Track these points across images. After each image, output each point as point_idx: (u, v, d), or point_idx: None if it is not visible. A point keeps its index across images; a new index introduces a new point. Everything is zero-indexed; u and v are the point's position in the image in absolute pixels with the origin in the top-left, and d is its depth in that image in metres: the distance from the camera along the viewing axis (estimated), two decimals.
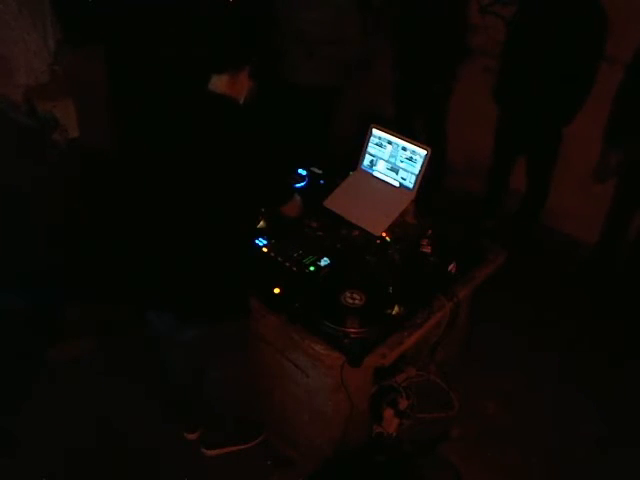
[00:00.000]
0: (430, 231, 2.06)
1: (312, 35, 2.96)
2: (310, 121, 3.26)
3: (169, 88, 1.67)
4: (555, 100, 2.85)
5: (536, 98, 2.88)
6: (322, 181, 2.38)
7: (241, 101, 1.63)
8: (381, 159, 2.25)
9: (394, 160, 2.20)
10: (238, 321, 1.82)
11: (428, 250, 1.99)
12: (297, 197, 1.93)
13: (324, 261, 1.92)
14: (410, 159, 2.14)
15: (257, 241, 2.00)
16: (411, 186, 2.16)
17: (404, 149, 2.16)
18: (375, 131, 2.25)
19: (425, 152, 2.09)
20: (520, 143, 3.22)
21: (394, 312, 1.74)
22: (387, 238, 2.06)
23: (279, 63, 3.06)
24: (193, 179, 1.56)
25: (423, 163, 2.10)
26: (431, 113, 3.55)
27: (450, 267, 1.92)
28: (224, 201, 1.58)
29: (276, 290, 1.80)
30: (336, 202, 2.21)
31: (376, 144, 2.25)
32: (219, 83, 1.58)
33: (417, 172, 2.13)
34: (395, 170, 2.21)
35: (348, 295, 1.77)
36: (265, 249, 1.97)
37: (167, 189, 1.61)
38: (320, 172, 2.43)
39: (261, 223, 2.05)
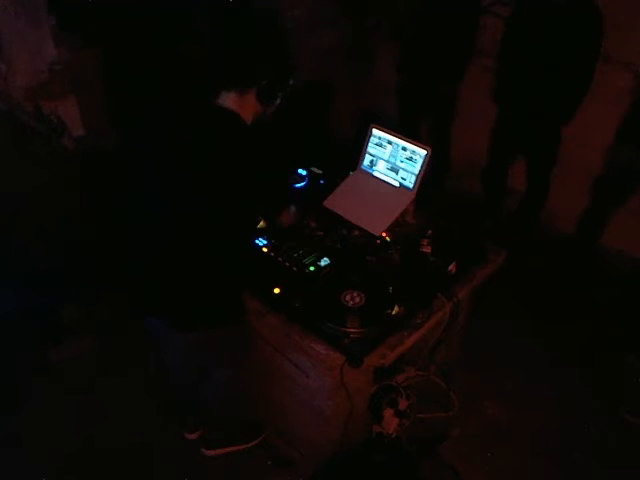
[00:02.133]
0: (430, 231, 2.06)
1: (292, 28, 2.95)
2: (305, 119, 3.25)
3: (176, 97, 1.65)
4: (553, 100, 2.85)
5: (535, 98, 2.88)
6: (322, 181, 2.38)
7: (248, 121, 1.60)
8: (381, 159, 2.25)
9: (394, 160, 2.20)
10: (236, 324, 1.81)
11: (428, 250, 1.99)
12: (292, 208, 1.94)
13: (324, 261, 1.92)
14: (410, 159, 2.14)
15: (257, 241, 2.00)
16: (411, 186, 2.16)
17: (404, 149, 2.16)
18: (375, 131, 2.25)
19: (425, 152, 2.09)
20: (520, 143, 3.22)
21: (394, 312, 1.74)
22: (387, 238, 2.06)
23: None
24: (191, 189, 1.54)
25: (423, 163, 2.10)
26: (438, 114, 3.53)
27: (450, 267, 1.92)
28: (221, 210, 1.56)
29: (276, 290, 1.80)
30: (336, 202, 2.21)
31: (376, 144, 2.25)
32: (227, 99, 1.56)
33: (417, 172, 2.13)
34: (395, 170, 2.21)
35: (348, 295, 1.77)
36: (265, 249, 1.97)
37: (165, 197, 1.60)
38: (320, 172, 2.43)
39: (261, 223, 2.05)
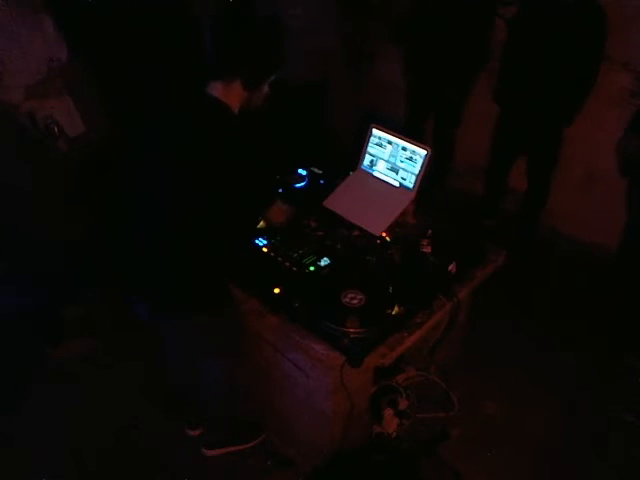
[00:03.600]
0: (430, 231, 2.06)
1: (291, 28, 2.96)
2: (305, 118, 3.25)
3: (167, 87, 1.69)
4: (556, 100, 2.85)
5: (536, 99, 2.88)
6: (322, 181, 2.39)
7: (235, 109, 1.64)
8: (381, 159, 2.25)
9: (394, 160, 2.20)
10: (220, 309, 1.82)
11: (428, 250, 1.99)
12: (282, 205, 1.93)
13: (324, 261, 1.92)
14: (410, 159, 2.14)
15: (257, 241, 2.00)
16: (411, 186, 2.16)
17: (404, 149, 2.16)
18: (375, 131, 2.25)
19: (425, 152, 2.09)
20: (521, 144, 3.22)
21: (394, 312, 1.74)
22: (387, 238, 2.06)
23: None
24: (176, 175, 1.60)
25: (423, 163, 2.10)
26: (445, 117, 3.53)
27: (450, 267, 1.92)
28: (204, 195, 1.60)
29: (276, 290, 1.80)
30: (336, 202, 2.21)
31: (376, 144, 2.25)
32: (215, 88, 1.61)
33: (417, 172, 2.13)
34: (395, 170, 2.21)
35: (348, 295, 1.77)
36: (265, 249, 1.97)
37: (155, 186, 1.65)
38: (320, 172, 2.43)
39: (261, 223, 2.05)
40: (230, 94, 1.62)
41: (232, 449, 2.24)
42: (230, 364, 1.99)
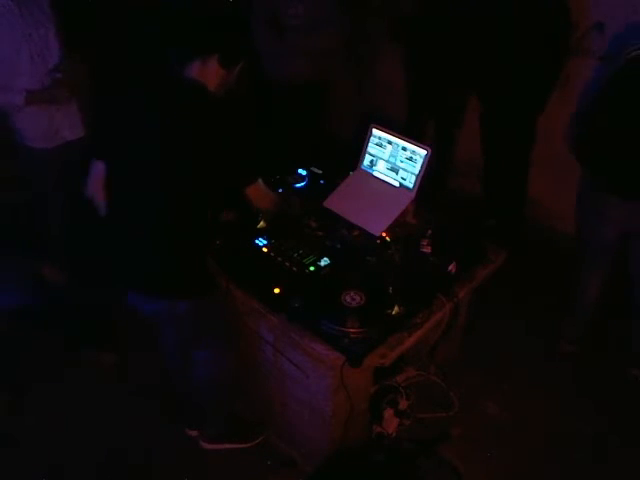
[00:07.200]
0: (430, 231, 2.06)
1: (291, 27, 2.97)
2: (305, 118, 3.24)
3: (146, 71, 1.72)
4: (527, 94, 2.90)
5: (511, 90, 2.92)
6: (322, 181, 2.39)
7: (212, 88, 1.64)
8: (381, 159, 2.25)
9: (394, 160, 2.20)
10: (206, 294, 1.83)
11: (428, 250, 1.99)
12: (262, 185, 1.83)
13: (324, 261, 1.92)
14: (410, 159, 2.14)
15: (257, 241, 2.00)
16: (411, 186, 2.16)
17: (404, 149, 2.16)
18: (375, 131, 2.25)
19: (425, 152, 2.09)
20: (503, 139, 3.23)
21: (394, 312, 1.74)
22: (387, 238, 2.06)
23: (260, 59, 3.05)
24: (157, 158, 1.61)
25: (423, 163, 2.10)
26: (446, 117, 3.51)
27: (450, 267, 1.92)
28: (191, 177, 1.61)
29: (276, 290, 1.81)
30: (336, 202, 2.22)
31: (376, 144, 2.25)
32: (192, 70, 1.61)
33: (417, 172, 2.13)
34: (395, 170, 2.21)
35: (348, 295, 1.77)
36: (265, 249, 1.97)
37: (132, 168, 1.66)
38: (320, 172, 2.43)
39: (261, 223, 2.06)
40: (207, 73, 1.62)
41: (231, 446, 2.23)
42: (217, 350, 1.99)
